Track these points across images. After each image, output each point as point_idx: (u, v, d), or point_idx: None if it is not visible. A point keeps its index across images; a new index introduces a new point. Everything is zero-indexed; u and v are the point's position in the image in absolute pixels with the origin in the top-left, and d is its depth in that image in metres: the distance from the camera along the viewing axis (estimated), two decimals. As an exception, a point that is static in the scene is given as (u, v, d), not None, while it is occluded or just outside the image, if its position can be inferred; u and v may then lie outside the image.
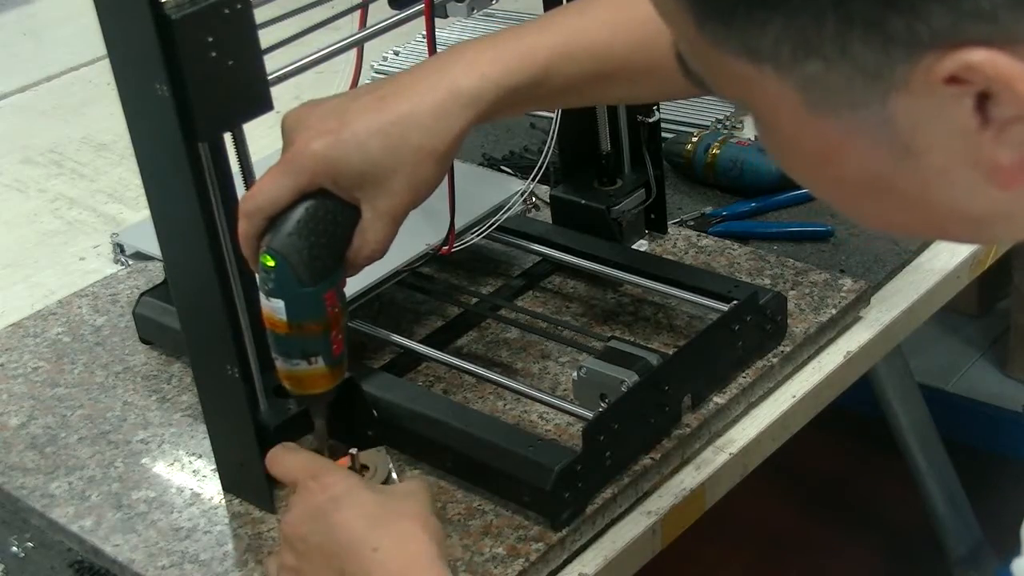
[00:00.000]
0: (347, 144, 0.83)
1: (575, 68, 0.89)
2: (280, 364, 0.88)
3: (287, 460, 0.88)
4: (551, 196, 1.23)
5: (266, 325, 0.86)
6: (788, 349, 1.07)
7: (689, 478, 0.99)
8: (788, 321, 1.08)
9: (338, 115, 0.85)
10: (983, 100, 0.49)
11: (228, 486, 1.00)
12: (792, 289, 1.14)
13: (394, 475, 0.91)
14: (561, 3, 1.08)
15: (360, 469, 0.90)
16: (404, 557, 0.81)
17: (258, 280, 0.86)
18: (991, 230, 0.56)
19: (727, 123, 1.45)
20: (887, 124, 0.51)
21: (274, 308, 0.85)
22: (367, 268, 1.04)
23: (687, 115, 1.46)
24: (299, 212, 0.83)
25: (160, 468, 1.04)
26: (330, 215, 0.84)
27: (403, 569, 0.80)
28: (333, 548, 0.82)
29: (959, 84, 0.49)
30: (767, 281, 1.15)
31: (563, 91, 0.90)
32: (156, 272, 1.25)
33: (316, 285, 0.84)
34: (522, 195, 1.20)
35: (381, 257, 0.88)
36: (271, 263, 0.84)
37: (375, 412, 0.99)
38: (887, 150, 0.52)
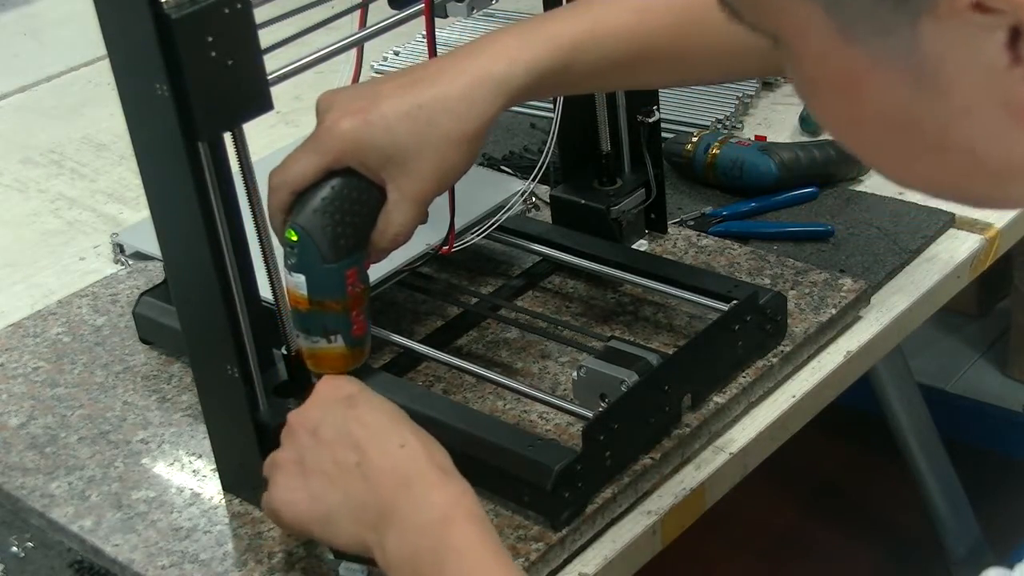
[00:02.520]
0: (375, 125, 0.84)
1: (601, 53, 0.89)
2: (301, 340, 0.89)
3: None
4: (551, 196, 1.23)
5: (289, 301, 0.87)
6: (788, 349, 1.07)
7: (689, 478, 0.99)
8: (788, 321, 1.08)
9: (369, 96, 0.86)
10: (1015, 37, 0.48)
11: (228, 486, 1.00)
12: (792, 289, 1.14)
13: None
14: (560, 3, 1.07)
15: None
16: (434, 457, 0.81)
17: (283, 255, 0.87)
18: (1010, 187, 0.55)
19: (727, 123, 1.45)
20: (914, 54, 0.51)
21: (296, 283, 0.86)
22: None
23: (687, 115, 1.46)
24: (325, 190, 0.84)
25: (160, 468, 1.04)
26: (356, 195, 0.84)
27: (433, 469, 0.80)
28: (350, 441, 0.81)
29: (988, 13, 0.48)
30: (767, 281, 1.15)
31: (590, 76, 0.91)
32: (156, 272, 1.25)
33: (338, 262, 0.84)
34: (522, 195, 1.20)
35: (405, 241, 0.88)
36: (295, 238, 0.85)
37: (375, 412, 0.99)
38: (912, 85, 0.52)
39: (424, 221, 0.90)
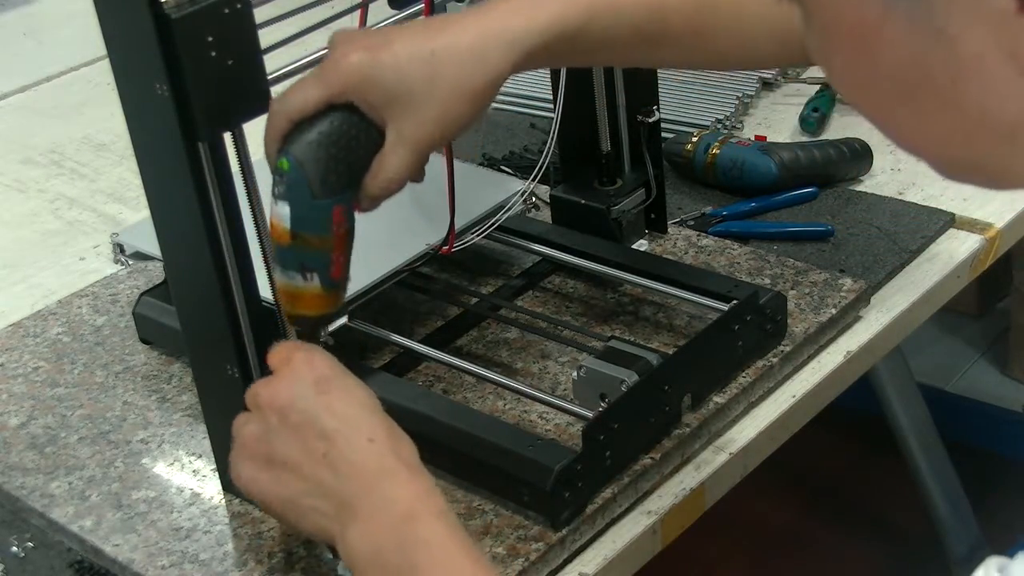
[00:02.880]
0: (384, 63, 0.83)
1: (618, 19, 0.88)
2: (277, 276, 0.86)
3: (279, 345, 0.87)
4: (551, 196, 1.23)
5: (270, 233, 0.85)
6: (788, 349, 1.07)
7: (689, 478, 0.99)
8: (788, 321, 1.08)
9: (382, 36, 0.85)
10: None
11: (228, 486, 1.00)
12: (792, 289, 1.14)
13: None
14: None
15: None
16: (401, 453, 0.79)
17: (271, 183, 0.85)
18: (1020, 151, 0.55)
19: (727, 123, 1.45)
20: (923, 1, 0.51)
21: (280, 215, 0.84)
22: (365, 268, 1.04)
23: (687, 115, 1.46)
24: (324, 123, 0.83)
25: (160, 468, 1.04)
26: (354, 132, 0.83)
27: (400, 465, 0.79)
28: (318, 429, 0.80)
29: None
30: (767, 281, 1.15)
31: (605, 44, 0.89)
32: (156, 272, 1.25)
33: (326, 198, 0.83)
34: (522, 195, 1.20)
35: (398, 189, 0.86)
36: (286, 167, 0.83)
37: (375, 412, 0.99)
38: (922, 34, 0.52)
39: (418, 178, 0.87)
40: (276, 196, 0.84)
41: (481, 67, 0.84)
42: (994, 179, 0.59)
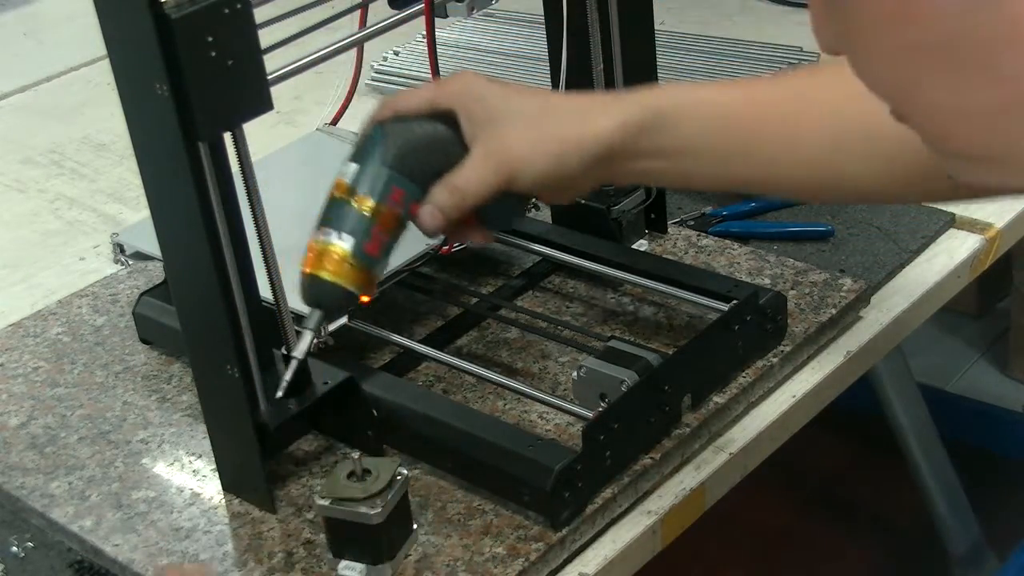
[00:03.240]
0: (495, 88, 0.87)
1: (705, 112, 0.88)
2: (313, 233, 0.86)
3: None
4: (551, 196, 1.23)
5: (330, 190, 0.87)
6: (788, 349, 1.07)
7: (689, 478, 0.99)
8: (788, 321, 1.08)
9: (504, 82, 0.90)
10: None
11: (228, 486, 1.00)
12: (792, 289, 1.14)
13: (400, 474, 0.91)
14: (561, 9, 1.08)
15: (362, 473, 0.90)
16: None
17: (353, 145, 0.88)
18: None
19: (727, 123, 1.45)
20: None
21: (345, 172, 0.86)
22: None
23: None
24: (420, 121, 0.87)
25: (160, 468, 1.04)
26: (443, 141, 0.86)
27: None
28: None
29: None
30: (767, 281, 1.15)
31: (691, 140, 0.88)
32: (156, 272, 1.25)
33: (393, 171, 0.85)
34: (522, 195, 1.20)
35: (462, 205, 0.86)
36: (372, 132, 0.87)
37: (375, 412, 0.99)
38: None
39: (492, 224, 0.90)
40: (350, 158, 0.87)
41: (588, 127, 0.86)
42: (1011, 171, 0.57)
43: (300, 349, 0.90)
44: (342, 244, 0.85)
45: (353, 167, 0.86)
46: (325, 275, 0.86)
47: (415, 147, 0.85)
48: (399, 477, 0.90)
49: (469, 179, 0.86)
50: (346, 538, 0.90)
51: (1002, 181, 0.58)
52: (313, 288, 0.87)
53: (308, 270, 0.86)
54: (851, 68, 0.57)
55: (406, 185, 0.85)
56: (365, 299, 0.87)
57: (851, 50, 0.57)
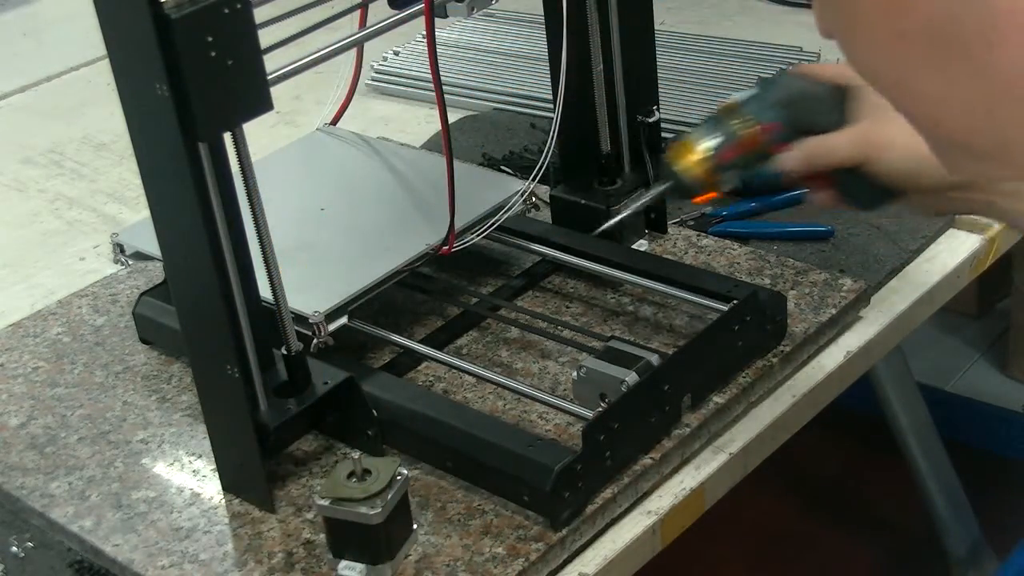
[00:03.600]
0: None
1: None
2: (691, 134, 0.97)
3: None
4: (551, 196, 1.23)
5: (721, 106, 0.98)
6: (788, 349, 1.07)
7: (689, 478, 0.99)
8: (788, 321, 1.08)
9: None
10: None
11: (228, 486, 1.00)
12: (792, 289, 1.14)
13: (400, 474, 0.91)
14: (561, 9, 1.08)
15: (362, 473, 0.90)
16: None
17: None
18: None
19: (727, 123, 1.45)
20: None
21: (739, 96, 0.96)
22: (365, 269, 1.04)
23: (687, 115, 1.46)
24: (819, 85, 0.94)
25: (160, 468, 1.04)
26: (829, 105, 0.93)
27: None
28: None
29: None
30: (767, 281, 1.15)
31: None
32: (156, 272, 1.25)
33: (777, 105, 0.94)
34: (522, 195, 1.20)
35: (820, 162, 0.93)
36: (776, 76, 1.03)
37: (375, 412, 0.99)
38: None
39: (853, 193, 0.95)
40: (754, 83, 0.99)
41: None
42: (1007, 162, 0.57)
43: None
44: (706, 142, 0.95)
45: (748, 93, 0.96)
46: (675, 161, 0.96)
47: (803, 100, 0.94)
48: (399, 477, 0.90)
49: (833, 144, 0.93)
50: (346, 538, 0.90)
51: (992, 172, 0.58)
52: (666, 172, 0.98)
53: (667, 156, 0.98)
54: (844, 55, 0.58)
55: (780, 126, 0.94)
56: (699, 199, 1.01)
57: (845, 37, 0.58)
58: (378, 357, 1.11)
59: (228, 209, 0.88)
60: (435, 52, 1.00)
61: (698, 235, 1.24)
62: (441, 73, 1.02)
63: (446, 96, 1.05)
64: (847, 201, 0.97)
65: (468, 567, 0.90)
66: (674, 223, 1.26)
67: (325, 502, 0.89)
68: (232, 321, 0.91)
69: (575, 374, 1.00)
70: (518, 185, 1.21)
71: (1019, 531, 1.75)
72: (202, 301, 0.91)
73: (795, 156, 0.95)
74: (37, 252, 1.40)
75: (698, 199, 1.00)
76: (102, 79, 1.77)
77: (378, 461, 0.91)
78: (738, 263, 1.19)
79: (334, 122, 1.31)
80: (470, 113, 1.56)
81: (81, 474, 1.03)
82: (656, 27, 1.17)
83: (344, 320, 1.05)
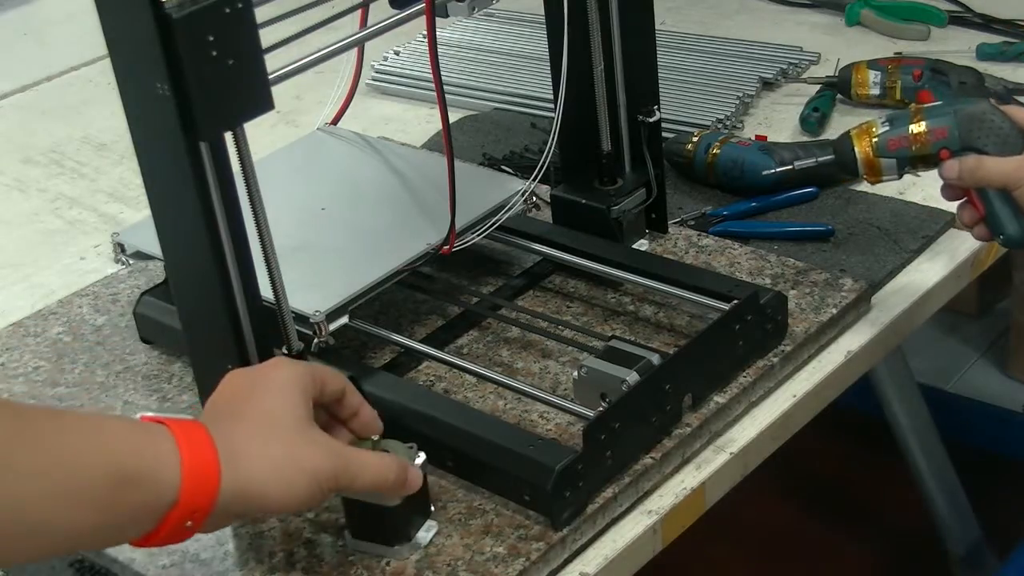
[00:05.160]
0: None
1: None
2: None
3: None
4: (551, 196, 1.23)
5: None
6: (788, 349, 1.07)
7: (689, 478, 0.99)
8: (788, 321, 1.08)
9: None
10: None
11: (229, 486, 0.99)
12: (792, 289, 1.14)
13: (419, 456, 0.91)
14: (561, 9, 1.08)
15: None
16: None
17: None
18: None
19: (728, 123, 1.45)
20: None
21: (932, 101, 1.12)
22: (366, 268, 1.04)
23: (688, 115, 1.46)
24: (1004, 117, 1.02)
25: (161, 468, 1.03)
26: (1005, 140, 1.01)
27: None
28: None
29: None
30: (767, 281, 1.15)
31: None
32: (156, 272, 1.25)
33: (956, 117, 1.02)
34: (522, 195, 1.20)
35: (972, 179, 1.01)
36: (971, 98, 1.16)
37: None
38: None
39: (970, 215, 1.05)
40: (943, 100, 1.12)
41: None
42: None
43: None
44: (881, 127, 1.05)
45: (939, 103, 1.05)
46: (854, 141, 1.06)
47: (983, 122, 1.02)
48: (417, 461, 0.90)
49: (991, 163, 1.00)
50: (364, 519, 0.91)
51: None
52: (841, 143, 1.07)
53: (850, 130, 1.07)
54: None
55: (953, 135, 1.02)
56: (869, 179, 1.07)
57: None
58: (379, 357, 1.11)
59: (229, 209, 0.88)
60: (436, 52, 1.00)
61: (699, 235, 1.24)
62: (442, 73, 1.02)
63: (447, 96, 1.05)
64: (994, 233, 1.03)
65: (469, 566, 0.90)
66: (674, 223, 1.26)
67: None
68: (233, 320, 0.91)
69: (576, 374, 1.00)
70: (519, 185, 1.21)
71: (1019, 531, 1.75)
72: (203, 300, 0.91)
73: (952, 165, 1.02)
74: (38, 252, 1.40)
75: (869, 178, 1.06)
76: (103, 79, 1.77)
77: (396, 444, 0.91)
78: (739, 263, 1.19)
79: (335, 122, 1.31)
80: (471, 113, 1.56)
81: (82, 474, 1.03)
82: (656, 27, 1.17)
83: (345, 320, 1.05)
